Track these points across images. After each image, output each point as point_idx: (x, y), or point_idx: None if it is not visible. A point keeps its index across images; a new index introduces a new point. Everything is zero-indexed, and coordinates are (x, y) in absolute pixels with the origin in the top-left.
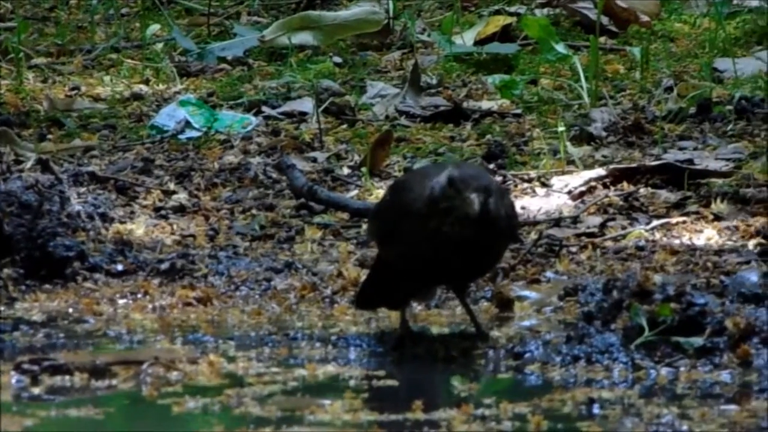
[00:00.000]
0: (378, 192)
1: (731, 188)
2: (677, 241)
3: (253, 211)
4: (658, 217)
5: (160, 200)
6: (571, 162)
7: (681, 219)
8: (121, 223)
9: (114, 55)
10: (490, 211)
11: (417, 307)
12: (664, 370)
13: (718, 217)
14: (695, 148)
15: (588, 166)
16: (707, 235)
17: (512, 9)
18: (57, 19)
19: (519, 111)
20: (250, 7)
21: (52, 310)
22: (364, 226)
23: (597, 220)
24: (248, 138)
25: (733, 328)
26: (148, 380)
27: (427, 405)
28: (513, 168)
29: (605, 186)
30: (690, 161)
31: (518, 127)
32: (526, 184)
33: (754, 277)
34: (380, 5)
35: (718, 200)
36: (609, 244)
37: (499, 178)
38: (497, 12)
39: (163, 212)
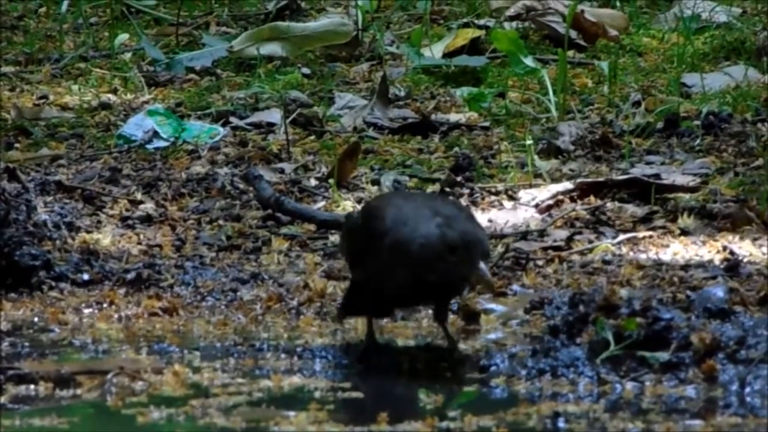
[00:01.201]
0: (345, 204)
1: (698, 203)
2: (644, 256)
3: (220, 222)
4: (625, 231)
5: (127, 210)
6: (538, 175)
7: (648, 233)
8: (88, 232)
9: (82, 65)
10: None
11: (382, 319)
12: (630, 385)
13: (684, 232)
14: (662, 163)
15: (555, 180)
16: (674, 250)
17: (481, 22)
18: (25, 27)
19: (487, 124)
20: (218, 18)
21: (18, 319)
22: (331, 238)
23: (564, 233)
24: (216, 148)
25: (699, 343)
26: (112, 390)
27: (392, 417)
28: (480, 181)
29: (572, 200)
30: (657, 176)
31: (486, 139)
32: (493, 197)
33: (720, 292)
34: (349, 17)
35: (685, 215)
36: (576, 257)
37: (466, 191)
38: (466, 25)
39: (129, 222)
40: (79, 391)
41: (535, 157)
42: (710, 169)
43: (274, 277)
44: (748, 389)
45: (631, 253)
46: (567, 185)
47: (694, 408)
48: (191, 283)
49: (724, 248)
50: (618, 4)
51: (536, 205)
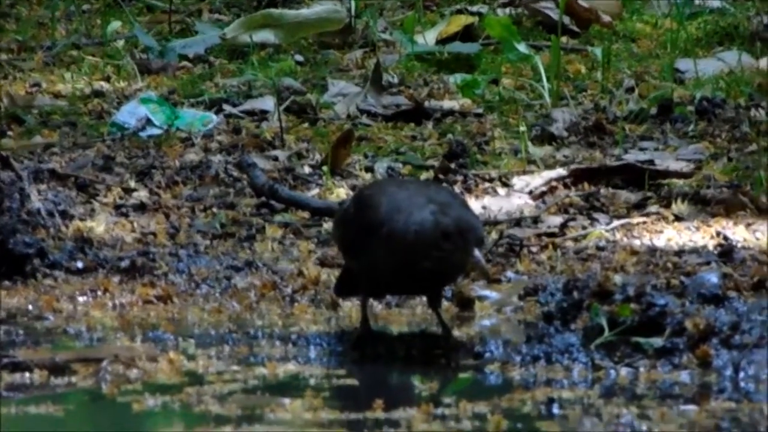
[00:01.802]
0: (339, 191)
1: (692, 189)
2: (637, 242)
3: (214, 210)
4: (619, 217)
5: (121, 198)
6: (532, 162)
7: (641, 219)
8: (82, 220)
9: (75, 52)
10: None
11: (377, 306)
12: (624, 371)
13: (678, 218)
14: (656, 149)
15: (549, 166)
16: (667, 236)
17: (474, 8)
18: (18, 15)
19: (480, 110)
20: (211, 5)
21: (12, 307)
22: (325, 225)
23: (558, 220)
24: (209, 136)
25: (693, 328)
26: (107, 378)
27: (387, 404)
28: (474, 168)
29: (566, 186)
30: (651, 162)
31: (480, 126)
32: (487, 184)
33: (713, 278)
34: (342, 4)
35: (679, 201)
36: (569, 244)
37: (460, 178)
38: (459, 11)
39: (123, 210)
40: (74, 379)
41: (529, 143)
42: (704, 154)
43: (268, 264)
44: (742, 374)
45: (625, 239)
46: (561, 171)
47: (689, 393)
48: (185, 271)
49: (718, 234)
50: None
51: (530, 192)
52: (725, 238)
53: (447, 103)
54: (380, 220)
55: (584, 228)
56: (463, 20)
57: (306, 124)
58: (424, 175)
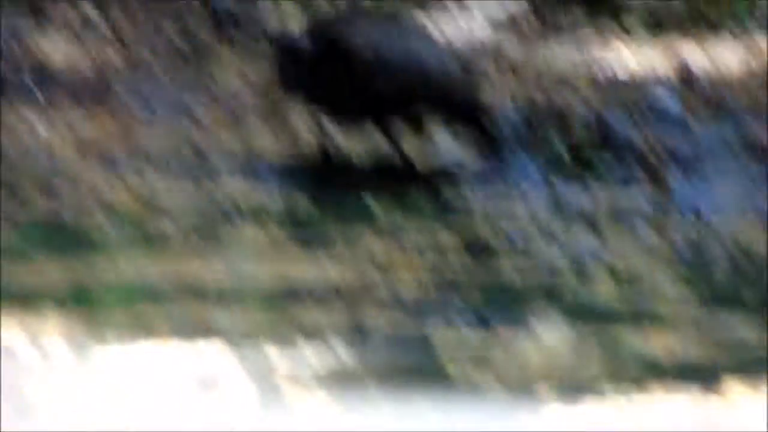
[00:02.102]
0: (295, 12)
1: (649, 8)
2: (596, 68)
3: (173, 35)
4: (579, 42)
5: (78, 24)
6: None
7: (601, 44)
8: (38, 47)
9: None
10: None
11: (335, 132)
12: (583, 198)
13: (635, 41)
14: None
15: None
16: (627, 61)
17: None
18: None
19: None
20: None
21: None
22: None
23: (517, 46)
24: None
25: (652, 155)
26: (66, 206)
27: (347, 233)
28: None
29: (526, 13)
30: None
31: None
32: (446, 12)
33: (672, 102)
34: None
35: (637, 23)
36: (529, 70)
37: (418, 5)
38: None
39: (78, 34)
40: (33, 208)
41: None
42: None
43: (225, 88)
44: (701, 201)
45: (584, 65)
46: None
47: (647, 219)
48: (144, 98)
49: (676, 56)
50: None
51: (489, 19)
52: (683, 61)
53: None
54: (364, 69)
55: (544, 54)
56: None
57: None
58: None
